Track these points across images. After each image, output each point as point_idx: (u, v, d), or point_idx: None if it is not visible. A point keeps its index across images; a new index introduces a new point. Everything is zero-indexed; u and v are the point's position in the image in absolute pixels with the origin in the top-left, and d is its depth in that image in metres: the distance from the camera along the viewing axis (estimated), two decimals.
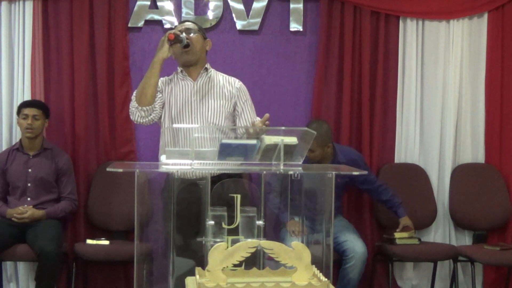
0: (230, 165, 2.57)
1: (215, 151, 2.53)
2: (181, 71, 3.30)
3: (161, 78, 3.29)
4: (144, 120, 3.21)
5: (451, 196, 4.56)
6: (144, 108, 3.16)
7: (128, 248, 3.92)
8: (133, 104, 3.20)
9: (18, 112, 4.09)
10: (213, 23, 4.46)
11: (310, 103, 4.52)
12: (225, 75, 3.36)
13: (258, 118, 3.23)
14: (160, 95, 3.26)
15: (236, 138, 3.21)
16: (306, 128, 2.68)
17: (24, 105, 4.10)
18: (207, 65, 3.31)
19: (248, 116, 3.28)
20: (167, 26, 4.42)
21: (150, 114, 3.20)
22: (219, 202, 2.55)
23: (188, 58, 3.24)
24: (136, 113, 3.20)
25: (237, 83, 3.33)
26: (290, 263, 2.27)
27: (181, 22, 3.48)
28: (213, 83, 3.28)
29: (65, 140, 4.37)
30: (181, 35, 3.16)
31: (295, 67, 4.55)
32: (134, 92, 3.24)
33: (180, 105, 3.23)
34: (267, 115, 2.94)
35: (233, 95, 3.28)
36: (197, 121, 3.21)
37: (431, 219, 4.53)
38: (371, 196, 4.38)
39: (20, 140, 4.14)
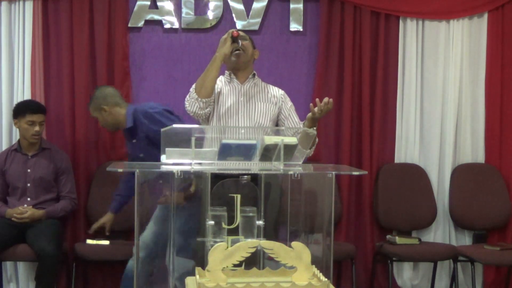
0: (230, 165, 2.57)
1: (215, 151, 2.53)
2: (230, 74, 3.40)
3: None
4: (201, 112, 3.28)
5: (451, 196, 4.56)
6: (204, 100, 3.24)
7: (128, 248, 3.92)
8: (192, 96, 3.27)
9: (18, 115, 4.04)
10: (213, 23, 4.46)
11: (310, 103, 4.50)
12: (269, 84, 3.48)
13: (302, 122, 3.34)
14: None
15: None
16: (306, 128, 2.69)
17: (30, 111, 4.01)
18: (254, 72, 3.42)
19: (295, 120, 3.39)
20: (167, 26, 4.43)
21: (207, 107, 3.27)
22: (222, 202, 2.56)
23: (239, 60, 3.32)
24: (195, 104, 3.26)
25: (280, 90, 3.46)
26: (290, 263, 2.27)
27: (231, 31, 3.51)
28: (259, 88, 3.40)
29: (65, 140, 4.37)
30: (241, 34, 3.29)
31: (295, 67, 4.55)
32: (193, 85, 3.30)
33: (227, 105, 3.31)
34: (329, 99, 3.03)
35: (278, 100, 3.39)
36: (244, 121, 3.31)
37: (431, 219, 4.53)
38: None
39: (19, 140, 4.14)
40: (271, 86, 3.46)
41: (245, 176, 2.80)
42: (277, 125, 3.41)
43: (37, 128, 4.01)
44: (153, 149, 3.51)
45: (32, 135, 4.02)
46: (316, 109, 3.05)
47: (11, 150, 4.12)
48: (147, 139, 3.64)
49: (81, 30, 4.35)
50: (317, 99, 3.08)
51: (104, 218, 4.03)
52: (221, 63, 3.25)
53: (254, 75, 3.41)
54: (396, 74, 4.57)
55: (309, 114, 3.10)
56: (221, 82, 3.39)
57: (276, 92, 3.43)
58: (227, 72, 3.42)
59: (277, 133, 3.33)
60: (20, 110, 4.04)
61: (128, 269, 3.69)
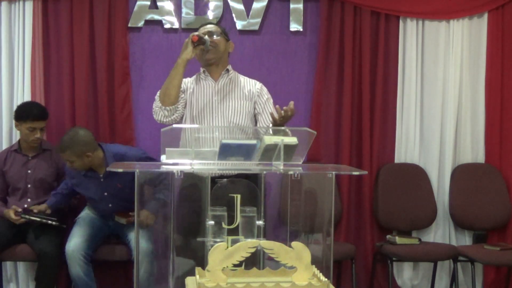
0: (230, 165, 2.57)
1: (215, 151, 2.53)
2: (203, 71, 3.35)
3: (184, 79, 3.33)
4: (167, 120, 3.26)
5: (451, 196, 4.57)
6: (168, 107, 3.20)
7: (128, 248, 3.92)
8: (157, 104, 3.24)
9: (20, 119, 4.01)
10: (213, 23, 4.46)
11: (310, 103, 4.52)
12: (246, 77, 3.41)
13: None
14: (183, 95, 3.31)
15: (258, 137, 3.19)
16: (306, 128, 2.69)
17: (31, 117, 3.96)
18: (229, 67, 3.36)
19: (269, 115, 3.28)
20: (167, 26, 4.43)
21: (173, 114, 3.24)
22: (221, 202, 2.55)
23: (210, 57, 3.28)
24: (160, 112, 3.24)
25: (257, 84, 3.39)
26: (290, 263, 2.27)
27: (203, 24, 3.49)
28: (234, 84, 3.33)
29: None
30: (204, 37, 3.22)
31: (295, 67, 4.55)
32: (158, 92, 3.27)
33: (201, 105, 3.27)
34: (292, 102, 2.99)
35: (254, 95, 3.33)
36: (218, 121, 3.26)
37: (431, 219, 4.53)
38: None
39: (19, 141, 4.13)
40: (248, 79, 3.38)
41: (224, 180, 2.78)
42: (254, 120, 3.33)
43: (37, 135, 4.00)
44: (124, 193, 3.68)
45: (32, 141, 4.02)
46: (277, 116, 3.00)
47: (11, 151, 4.12)
48: (129, 183, 3.55)
49: (81, 30, 4.34)
50: (277, 106, 3.03)
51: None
52: (183, 68, 3.18)
53: (227, 70, 3.33)
54: (396, 74, 4.57)
55: (273, 113, 3.05)
56: (191, 82, 3.32)
57: (253, 86, 3.35)
58: (201, 69, 3.36)
59: (254, 132, 3.26)
60: (22, 115, 4.00)
61: None
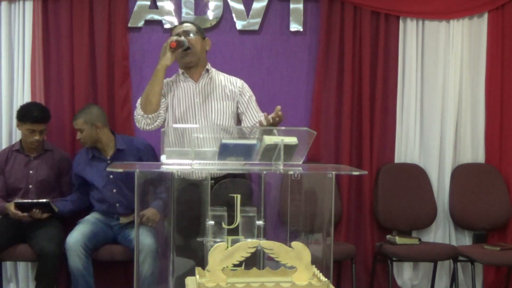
0: (230, 165, 2.57)
1: (215, 151, 2.53)
2: (182, 73, 3.30)
3: (164, 80, 3.30)
4: (150, 127, 3.24)
5: (451, 196, 4.56)
6: (150, 115, 3.18)
7: (130, 248, 3.91)
8: (139, 112, 3.21)
9: (20, 120, 4.00)
10: (213, 23, 4.46)
11: (310, 103, 4.52)
12: (226, 74, 3.38)
13: (262, 114, 3.21)
14: (164, 99, 3.27)
15: (243, 137, 3.17)
16: (306, 128, 2.69)
17: (31, 119, 3.96)
18: (208, 66, 3.32)
19: (254, 113, 3.28)
20: (167, 26, 4.43)
21: (156, 121, 3.23)
22: (222, 202, 2.55)
23: (188, 60, 3.25)
24: (142, 120, 3.22)
25: (238, 82, 3.34)
26: (290, 263, 2.27)
27: (180, 23, 3.47)
28: (215, 84, 3.29)
29: (65, 140, 4.37)
30: (181, 40, 3.18)
31: (295, 67, 4.55)
32: (139, 100, 3.25)
33: (183, 108, 3.23)
34: (278, 107, 2.93)
35: (236, 95, 3.28)
36: (201, 123, 3.22)
37: (431, 219, 4.53)
38: None
39: (20, 141, 4.12)
40: (228, 78, 3.34)
41: (225, 180, 2.78)
42: (238, 119, 3.29)
43: (36, 137, 3.98)
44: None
45: (31, 142, 4.01)
46: (265, 123, 2.93)
47: (12, 150, 4.11)
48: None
49: (81, 30, 4.34)
50: (265, 113, 2.96)
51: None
52: (163, 75, 3.16)
53: (207, 70, 3.29)
54: (396, 74, 4.57)
55: (261, 121, 2.96)
56: (171, 85, 3.29)
57: (234, 85, 3.30)
58: (180, 71, 3.31)
59: (239, 132, 3.22)
60: (23, 116, 3.99)
61: None
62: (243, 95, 3.30)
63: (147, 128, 3.23)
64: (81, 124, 3.97)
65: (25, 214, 3.84)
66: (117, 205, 3.98)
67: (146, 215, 3.82)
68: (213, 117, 3.22)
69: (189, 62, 3.25)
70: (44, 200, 3.88)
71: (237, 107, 3.29)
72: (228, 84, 3.31)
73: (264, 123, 2.97)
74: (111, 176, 3.93)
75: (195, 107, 3.23)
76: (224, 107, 3.24)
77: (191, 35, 3.26)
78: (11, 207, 3.84)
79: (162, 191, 3.86)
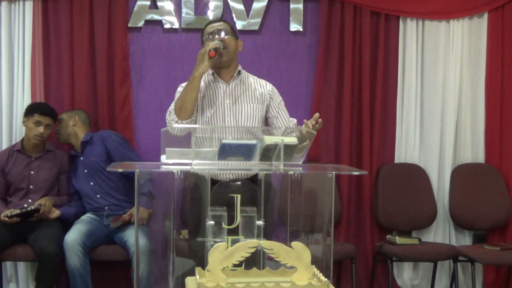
0: (230, 165, 2.57)
1: (215, 151, 2.53)
2: (213, 73, 3.21)
3: None
4: (183, 133, 3.14)
5: (451, 196, 4.57)
6: (184, 121, 3.08)
7: (125, 249, 3.91)
8: (173, 118, 3.11)
9: (28, 114, 4.02)
10: None
11: (310, 103, 4.52)
12: (255, 77, 3.30)
13: (292, 119, 3.26)
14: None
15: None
16: (306, 128, 2.68)
17: (39, 111, 4.00)
18: (239, 67, 3.25)
19: (285, 118, 3.24)
20: (167, 26, 4.43)
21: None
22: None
23: (221, 60, 3.14)
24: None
25: (268, 85, 3.27)
26: (290, 263, 2.27)
27: (211, 22, 3.35)
28: (245, 86, 3.21)
29: None
30: (218, 47, 3.08)
31: (295, 67, 4.55)
32: (172, 105, 3.14)
33: (213, 109, 3.15)
34: (317, 114, 2.88)
35: (266, 98, 3.21)
36: (230, 125, 3.14)
37: (431, 219, 4.53)
38: None
39: (22, 141, 4.12)
40: (258, 80, 3.28)
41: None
42: (266, 123, 3.24)
43: (41, 129, 3.98)
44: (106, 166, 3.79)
45: (35, 135, 4.00)
46: (311, 125, 2.86)
47: (13, 150, 4.11)
48: (105, 154, 4.04)
49: (81, 30, 4.34)
50: (305, 120, 2.89)
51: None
52: (199, 82, 3.06)
53: (239, 72, 3.22)
54: (396, 74, 4.57)
55: (303, 128, 2.87)
56: (204, 84, 3.19)
57: (264, 88, 3.24)
58: (210, 71, 3.21)
59: (267, 133, 3.16)
60: (31, 109, 4.04)
61: None
62: (273, 99, 3.23)
63: (180, 134, 3.07)
64: (63, 115, 4.18)
65: (14, 219, 3.84)
66: (106, 207, 4.07)
67: (133, 215, 3.84)
68: (242, 119, 3.15)
69: (222, 62, 3.16)
70: (34, 207, 3.88)
71: (267, 111, 3.22)
72: (258, 87, 3.24)
73: (304, 131, 2.86)
74: (85, 171, 4.07)
75: (225, 108, 3.15)
76: (253, 110, 3.17)
77: (223, 33, 3.16)
78: (1, 216, 3.85)
79: (145, 186, 3.90)
